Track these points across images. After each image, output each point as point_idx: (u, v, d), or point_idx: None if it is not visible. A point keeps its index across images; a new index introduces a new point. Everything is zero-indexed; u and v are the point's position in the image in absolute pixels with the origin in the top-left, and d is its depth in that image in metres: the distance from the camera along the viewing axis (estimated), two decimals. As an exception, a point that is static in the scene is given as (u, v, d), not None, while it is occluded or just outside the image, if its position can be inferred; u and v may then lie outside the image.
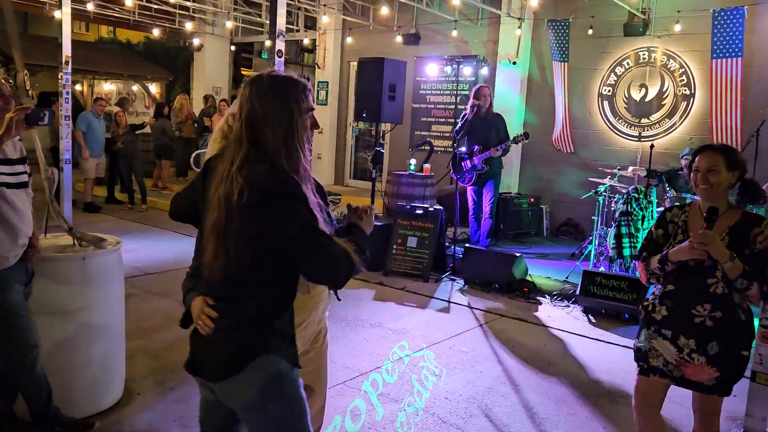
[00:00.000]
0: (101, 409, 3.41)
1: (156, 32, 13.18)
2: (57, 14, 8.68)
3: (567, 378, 4.29)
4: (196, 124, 12.35)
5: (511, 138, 7.19)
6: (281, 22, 5.69)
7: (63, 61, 8.77)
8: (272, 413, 1.91)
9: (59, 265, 3.18)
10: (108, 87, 16.50)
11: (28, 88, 3.03)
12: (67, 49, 8.86)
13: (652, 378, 2.69)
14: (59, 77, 9.04)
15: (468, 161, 7.32)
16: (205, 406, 2.10)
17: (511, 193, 9.25)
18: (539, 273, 6.81)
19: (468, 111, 7.26)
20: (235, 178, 1.81)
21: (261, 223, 1.80)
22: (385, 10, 10.39)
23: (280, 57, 5.76)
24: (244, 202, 1.78)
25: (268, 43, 13.97)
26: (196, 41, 13.93)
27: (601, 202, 6.95)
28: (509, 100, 9.58)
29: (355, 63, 9.17)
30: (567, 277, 6.59)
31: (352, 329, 5.05)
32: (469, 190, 7.56)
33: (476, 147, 7.23)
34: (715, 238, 2.45)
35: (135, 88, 16.04)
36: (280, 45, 5.75)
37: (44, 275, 3.10)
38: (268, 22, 12.50)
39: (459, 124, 7.37)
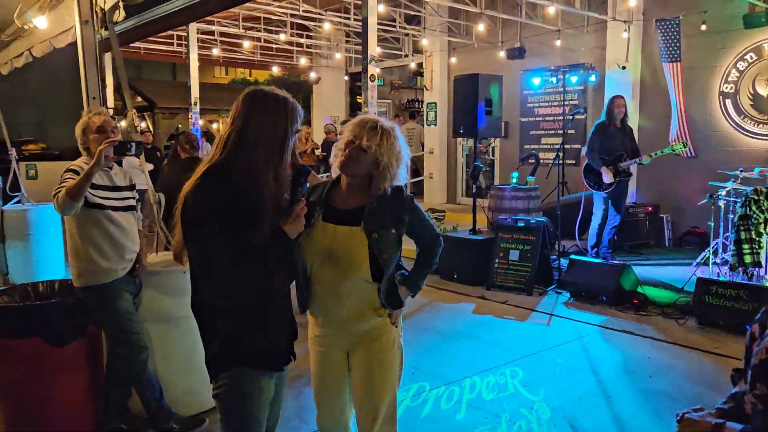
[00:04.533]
0: (205, 409, 3.74)
1: (275, 69, 14.14)
2: (196, 62, 9.68)
3: (668, 392, 4.05)
4: (315, 153, 13.03)
5: (671, 147, 7.13)
6: (372, 48, 6.00)
7: (192, 102, 9.82)
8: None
9: (164, 278, 3.59)
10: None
11: (136, 125, 3.48)
12: (195, 92, 9.89)
13: None
14: (189, 116, 10.07)
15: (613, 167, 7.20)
16: None
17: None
18: (653, 284, 6.44)
19: (603, 120, 7.22)
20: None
21: None
22: (482, 27, 10.45)
23: (372, 81, 6.06)
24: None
25: (378, 70, 14.52)
26: (312, 75, 14.78)
27: (722, 207, 6.48)
28: (621, 107, 9.20)
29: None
30: (683, 287, 6.17)
31: (446, 340, 5.10)
32: (600, 199, 7.31)
33: (623, 154, 7.15)
34: None
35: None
36: (373, 70, 6.06)
37: (152, 287, 3.51)
38: (379, 52, 13.04)
39: (592, 136, 7.29)
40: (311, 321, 2.47)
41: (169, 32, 11.16)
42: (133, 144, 3.18)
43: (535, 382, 4.18)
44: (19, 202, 7.15)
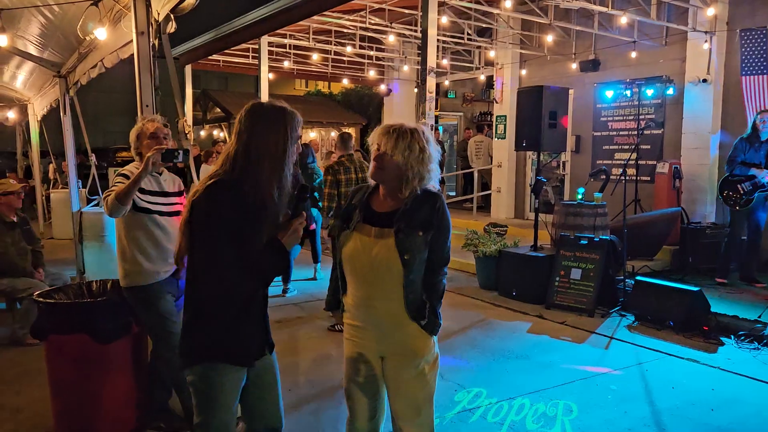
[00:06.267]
0: (239, 414, 3.78)
1: (345, 81, 14.36)
2: (267, 74, 9.97)
3: (729, 428, 3.74)
4: None
5: None
6: (431, 60, 5.97)
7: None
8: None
9: (207, 282, 3.66)
10: (312, 135, 18.34)
11: (186, 132, 3.60)
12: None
13: None
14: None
15: (749, 183, 6.95)
16: None
17: (701, 222, 8.33)
18: (727, 310, 6.01)
19: (750, 133, 6.98)
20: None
21: None
22: (552, 38, 10.19)
23: (431, 93, 6.02)
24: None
25: (447, 83, 14.46)
26: (383, 87, 14.91)
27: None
28: (702, 121, 8.73)
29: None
30: (760, 316, 5.73)
31: (495, 359, 4.95)
32: (744, 215, 7.08)
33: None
34: None
35: (333, 134, 17.57)
36: (431, 82, 6.02)
37: (194, 290, 3.59)
38: (449, 65, 12.97)
39: (734, 150, 7.04)
40: (346, 321, 2.51)
41: (245, 45, 11.55)
42: (181, 152, 3.28)
43: (584, 409, 3.98)
44: (97, 205, 7.56)
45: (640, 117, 9.61)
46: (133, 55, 3.75)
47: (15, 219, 5.51)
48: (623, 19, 8.62)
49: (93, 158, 7.51)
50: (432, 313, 2.37)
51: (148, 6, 3.43)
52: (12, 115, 10.84)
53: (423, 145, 2.31)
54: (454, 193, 15.41)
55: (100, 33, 3.76)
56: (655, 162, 9.27)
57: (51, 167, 12.69)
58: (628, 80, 9.78)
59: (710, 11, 8.24)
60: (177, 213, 3.48)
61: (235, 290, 2.17)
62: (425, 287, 2.37)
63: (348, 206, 2.46)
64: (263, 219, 2.14)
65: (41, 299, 3.43)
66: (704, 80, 8.59)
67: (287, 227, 2.19)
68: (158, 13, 3.34)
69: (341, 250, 2.40)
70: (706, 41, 8.44)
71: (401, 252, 2.26)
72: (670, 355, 5.07)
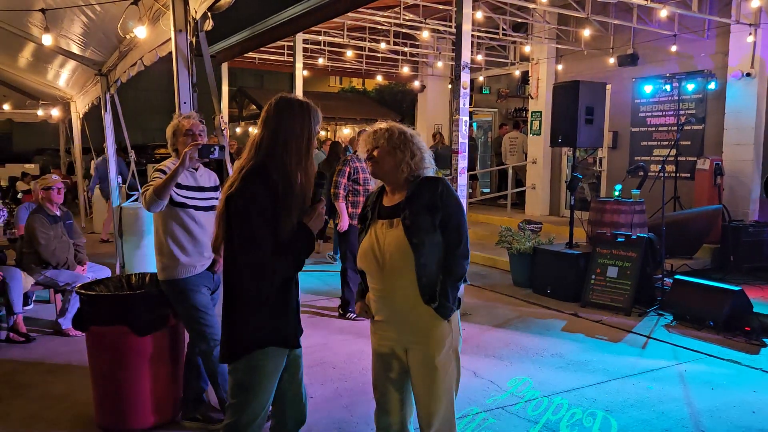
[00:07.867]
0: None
1: (379, 78, 14.36)
2: (302, 71, 10.03)
3: (771, 430, 3.65)
4: None
5: None
6: (465, 55, 5.92)
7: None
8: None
9: (242, 276, 3.71)
10: (346, 131, 18.42)
11: (222, 128, 3.66)
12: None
13: None
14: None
15: None
16: None
17: (743, 221, 8.10)
18: (770, 311, 5.84)
19: None
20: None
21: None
22: (589, 33, 10.01)
23: (465, 89, 5.98)
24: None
25: (481, 79, 14.35)
26: (416, 83, 14.87)
27: None
28: (745, 116, 8.48)
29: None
30: (805, 318, 5.55)
31: (529, 356, 4.90)
32: None
33: None
34: None
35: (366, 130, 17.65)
36: (465, 77, 5.97)
37: (230, 284, 3.65)
38: (483, 60, 12.87)
39: None
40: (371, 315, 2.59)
41: (281, 43, 11.64)
42: (217, 147, 3.33)
43: (619, 408, 3.91)
44: (136, 200, 7.73)
45: (680, 112, 9.39)
46: (171, 53, 3.83)
47: (58, 213, 5.68)
48: (663, 12, 8.43)
49: (132, 155, 7.68)
50: (443, 295, 2.39)
51: (186, 4, 3.49)
52: (56, 112, 11.15)
53: (401, 130, 2.47)
54: (488, 190, 15.29)
55: (140, 31, 3.85)
56: (695, 158, 9.05)
57: (93, 164, 13.02)
58: (667, 74, 9.57)
59: (755, 3, 7.99)
60: (213, 207, 3.54)
61: (274, 275, 2.26)
62: (442, 270, 2.42)
63: (363, 209, 2.60)
64: (292, 203, 2.26)
65: (83, 291, 3.54)
66: (748, 74, 8.35)
67: (311, 212, 2.33)
68: (195, 12, 3.41)
69: (360, 246, 2.52)
70: (750, 34, 8.19)
71: (409, 237, 2.36)
72: (709, 355, 4.96)
